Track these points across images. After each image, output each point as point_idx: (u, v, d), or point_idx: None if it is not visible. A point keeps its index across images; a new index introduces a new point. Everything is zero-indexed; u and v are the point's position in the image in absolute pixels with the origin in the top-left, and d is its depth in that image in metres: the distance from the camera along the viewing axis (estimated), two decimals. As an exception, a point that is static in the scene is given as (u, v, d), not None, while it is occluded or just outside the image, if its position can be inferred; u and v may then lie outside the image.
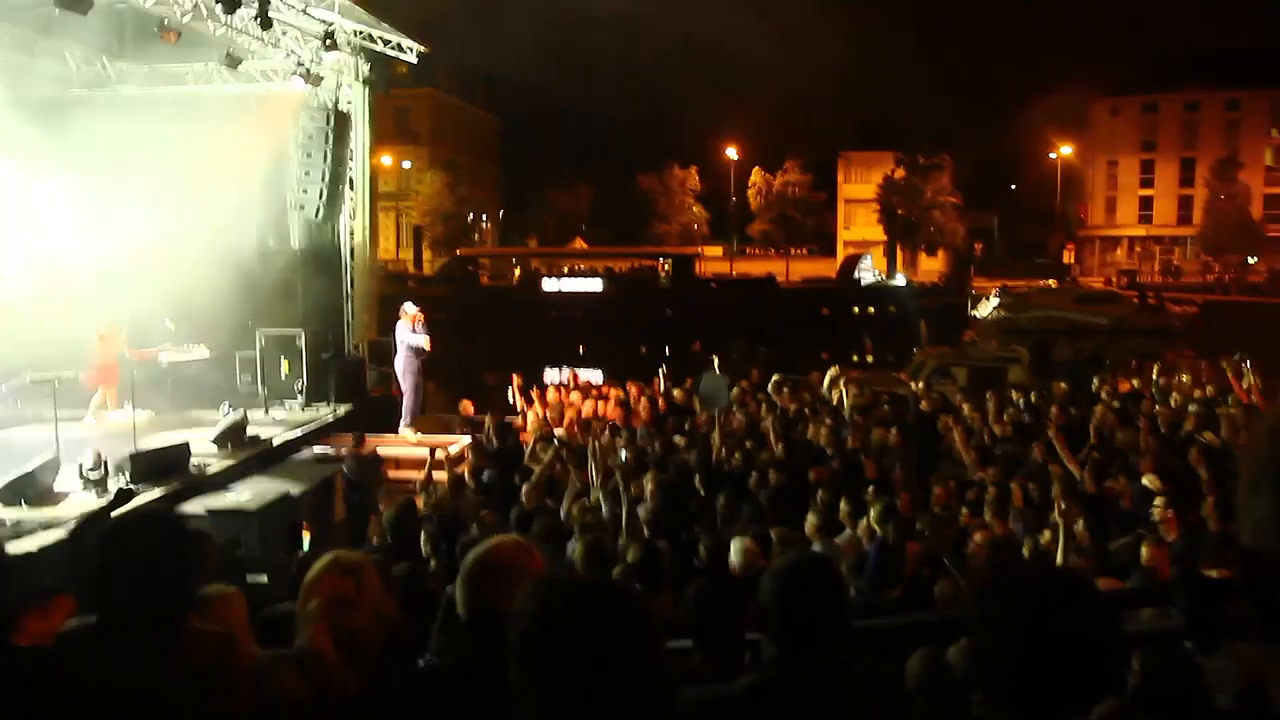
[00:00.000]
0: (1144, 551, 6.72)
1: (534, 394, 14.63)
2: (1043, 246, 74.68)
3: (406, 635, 2.99)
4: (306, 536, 10.22)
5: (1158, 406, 13.28)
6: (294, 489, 11.17)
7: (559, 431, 12.31)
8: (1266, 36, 71.48)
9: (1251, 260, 64.07)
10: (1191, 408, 13.16)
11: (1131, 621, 3.95)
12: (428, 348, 15.28)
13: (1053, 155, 70.81)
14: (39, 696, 2.25)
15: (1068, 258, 72.31)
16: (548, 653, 1.53)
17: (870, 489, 8.61)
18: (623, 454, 9.51)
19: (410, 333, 15.18)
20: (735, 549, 6.18)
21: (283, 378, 15.52)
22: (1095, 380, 17.07)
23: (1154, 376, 17.50)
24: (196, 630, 2.37)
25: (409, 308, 15.39)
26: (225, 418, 12.90)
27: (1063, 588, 1.60)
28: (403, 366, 15.27)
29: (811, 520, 7.68)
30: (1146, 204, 74.43)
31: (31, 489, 9.75)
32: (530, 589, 1.62)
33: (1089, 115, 75.28)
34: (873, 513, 7.36)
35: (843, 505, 8.04)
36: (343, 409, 15.60)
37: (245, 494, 10.80)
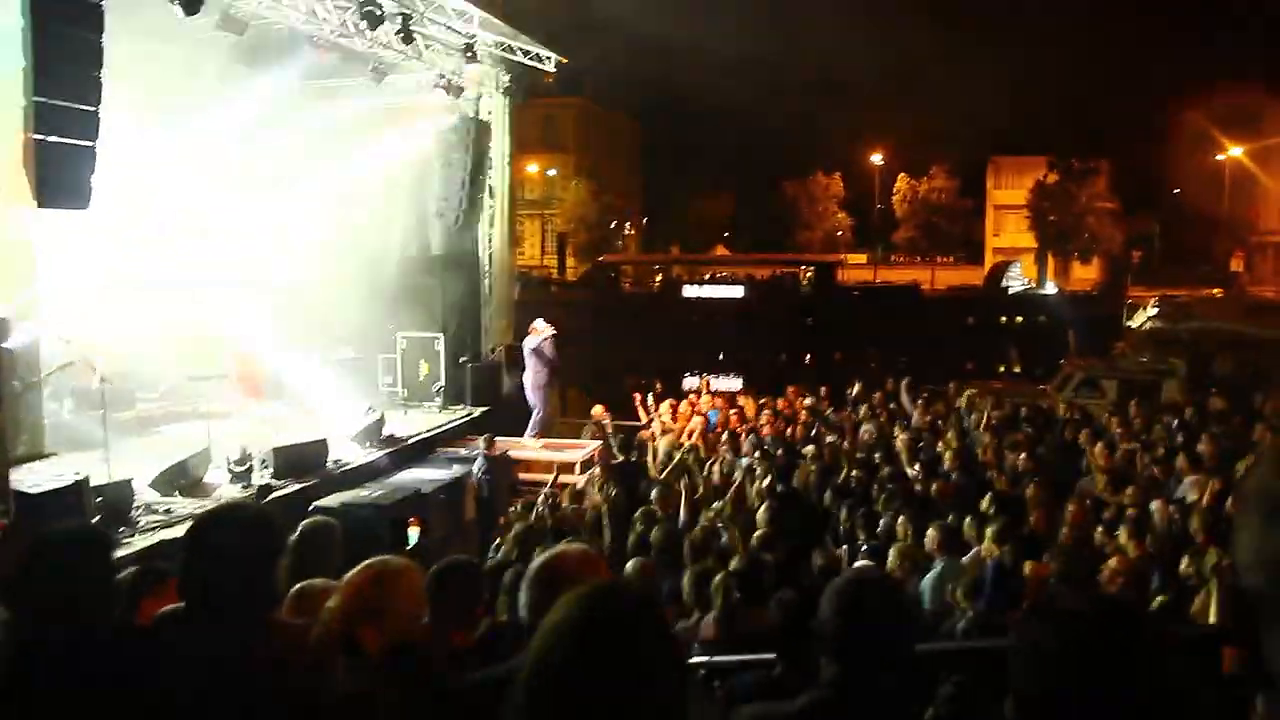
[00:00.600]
0: None
1: (657, 404, 14.75)
2: (1208, 253, 70.78)
3: (434, 643, 2.99)
4: (415, 531, 10.44)
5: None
6: (425, 487, 11.51)
7: (688, 442, 12.35)
8: None
9: None
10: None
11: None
12: (550, 359, 15.46)
13: (1220, 157, 67.09)
14: (127, 673, 2.39)
15: (1236, 265, 68.34)
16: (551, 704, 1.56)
17: (991, 506, 8.35)
18: (744, 463, 9.48)
19: (544, 349, 15.44)
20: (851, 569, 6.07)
21: (421, 380, 16.04)
22: (1259, 397, 16.11)
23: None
24: (275, 623, 2.47)
25: (539, 324, 15.66)
26: (365, 417, 13.40)
27: (1103, 619, 1.53)
28: (531, 381, 15.55)
29: (933, 535, 7.48)
30: (1326, 209, 69.84)
31: (184, 479, 10.34)
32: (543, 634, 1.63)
33: (1260, 114, 71.01)
34: (989, 531, 7.12)
35: (968, 523, 7.80)
36: (478, 411, 16.00)
37: (378, 490, 11.19)
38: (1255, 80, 68.74)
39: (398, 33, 13.54)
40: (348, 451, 12.44)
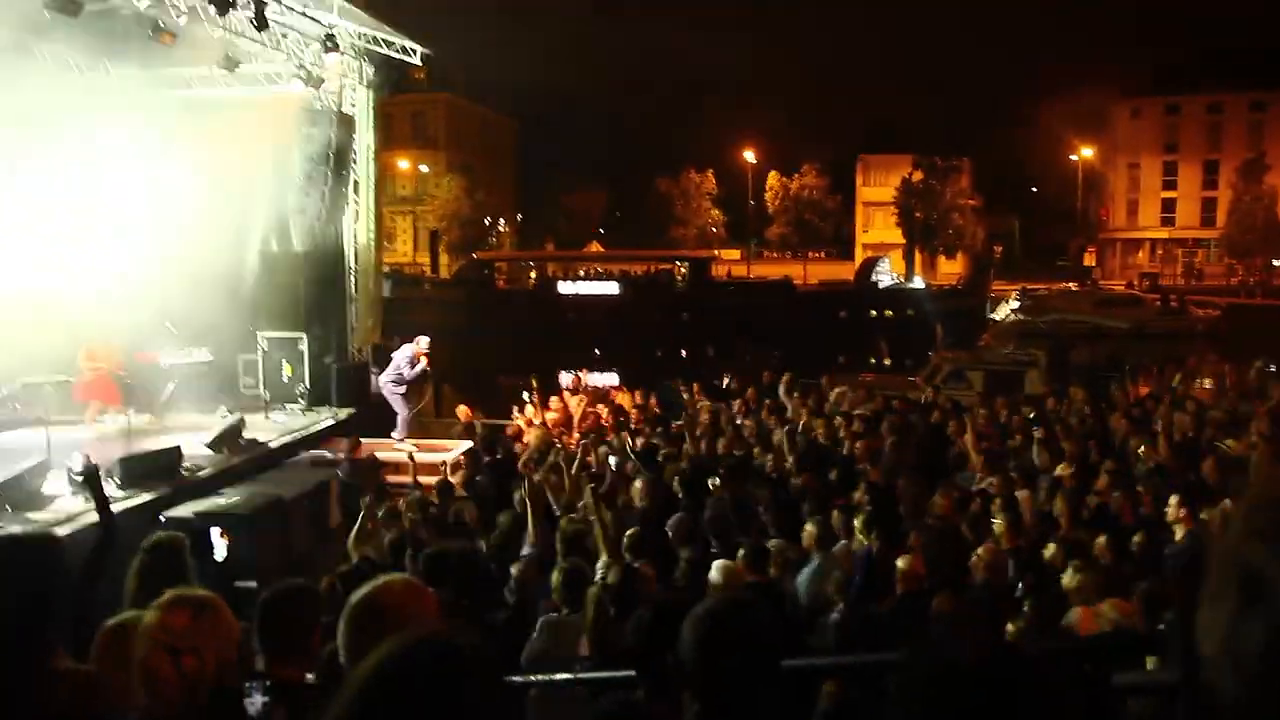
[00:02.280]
0: None
1: (545, 402, 14.50)
2: (1063, 249, 73.99)
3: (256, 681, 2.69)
4: (222, 543, 9.79)
5: (1176, 413, 12.88)
6: (287, 493, 11.00)
7: (563, 439, 12.13)
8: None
9: (1277, 263, 63.20)
10: (1213, 413, 12.82)
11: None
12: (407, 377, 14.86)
13: (1073, 157, 70.19)
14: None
15: (1089, 260, 71.65)
16: None
17: (858, 497, 8.36)
18: (611, 462, 9.30)
19: (408, 363, 14.77)
20: (716, 569, 5.91)
21: (284, 381, 15.40)
22: (1112, 386, 16.72)
23: (1174, 382, 17.17)
24: (53, 671, 2.14)
25: (422, 341, 15.03)
26: (222, 421, 12.76)
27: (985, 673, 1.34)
28: (389, 387, 14.92)
29: (810, 531, 7.42)
30: (1169, 206, 73.63)
31: (18, 492, 9.62)
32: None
33: (1110, 117, 74.52)
34: (858, 522, 7.11)
35: (836, 516, 7.76)
36: (344, 413, 15.45)
37: (236, 498, 10.63)
38: (1106, 85, 72.28)
39: (251, 19, 12.90)
40: (203, 457, 11.80)
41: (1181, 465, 10.05)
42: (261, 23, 12.86)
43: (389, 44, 15.90)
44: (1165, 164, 73.24)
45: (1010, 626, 5.51)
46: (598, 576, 5.53)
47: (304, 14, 14.14)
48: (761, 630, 2.14)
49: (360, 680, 1.34)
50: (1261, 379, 17.72)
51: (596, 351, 40.58)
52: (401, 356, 14.82)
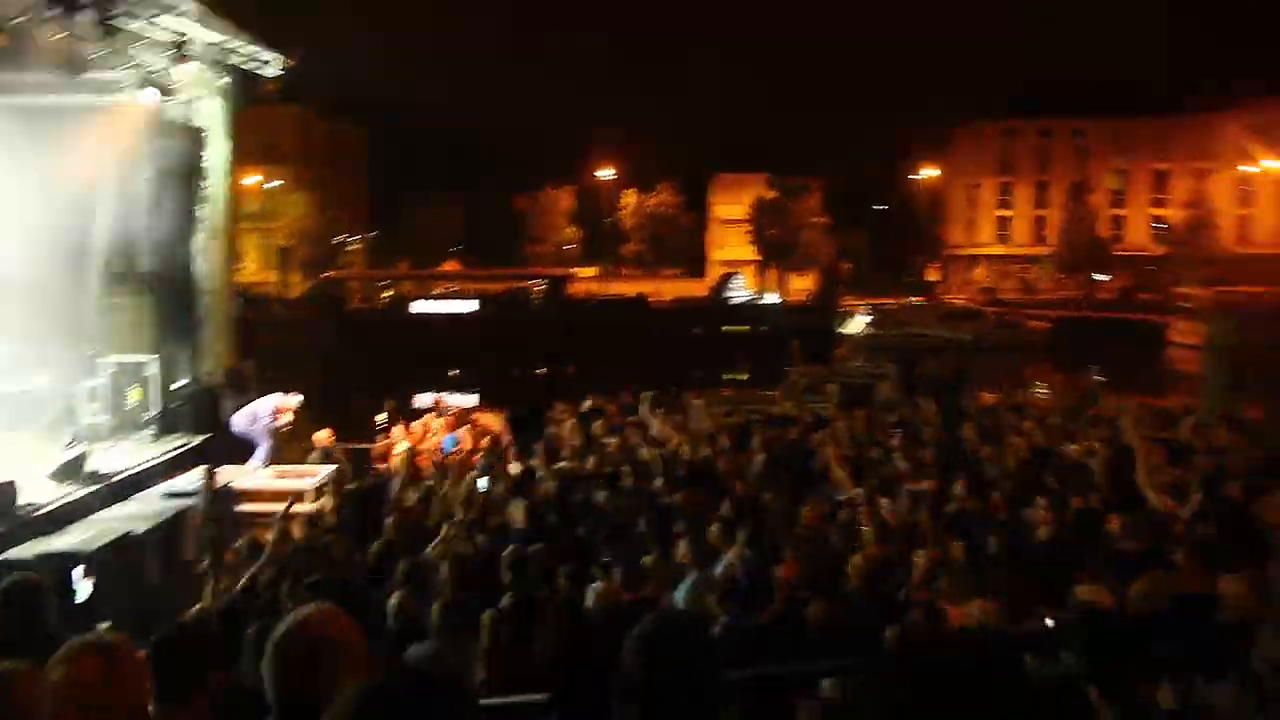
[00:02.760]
0: None
1: (405, 425, 14.22)
2: (908, 265, 77.13)
3: None
4: (86, 584, 9.29)
5: (1025, 422, 13.54)
6: (138, 527, 10.45)
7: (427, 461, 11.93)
8: (1110, 69, 75.78)
9: (1101, 278, 67.34)
10: (1052, 421, 13.54)
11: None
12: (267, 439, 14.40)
13: (917, 177, 73.31)
14: None
15: (932, 276, 74.87)
16: None
17: (733, 512, 8.52)
18: (481, 484, 9.21)
19: (270, 415, 14.26)
20: (593, 591, 5.94)
21: (130, 408, 14.65)
22: (962, 396, 17.46)
23: (1015, 391, 18.06)
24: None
25: (290, 400, 14.52)
26: (65, 451, 12.05)
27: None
28: (243, 425, 14.36)
29: (685, 549, 7.50)
30: (1005, 224, 77.59)
31: None
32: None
33: (951, 140, 78.16)
34: (739, 537, 7.23)
35: (712, 530, 7.87)
36: (198, 440, 14.79)
37: (81, 535, 10.03)
38: (948, 110, 75.93)
39: (98, 23, 12.26)
40: (44, 492, 11.10)
41: (1030, 471, 10.57)
42: (109, 29, 12.24)
43: (246, 54, 15.35)
44: (1001, 184, 77.22)
45: (889, 632, 5.67)
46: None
47: (152, 21, 13.52)
48: (705, 642, 2.16)
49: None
50: (1093, 387, 18.87)
51: (453, 373, 40.16)
52: (265, 406, 14.29)
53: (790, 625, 6.13)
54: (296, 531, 9.04)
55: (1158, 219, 73.06)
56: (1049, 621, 4.46)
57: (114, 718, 2.02)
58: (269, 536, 9.11)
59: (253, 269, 67.01)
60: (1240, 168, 69.55)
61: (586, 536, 8.36)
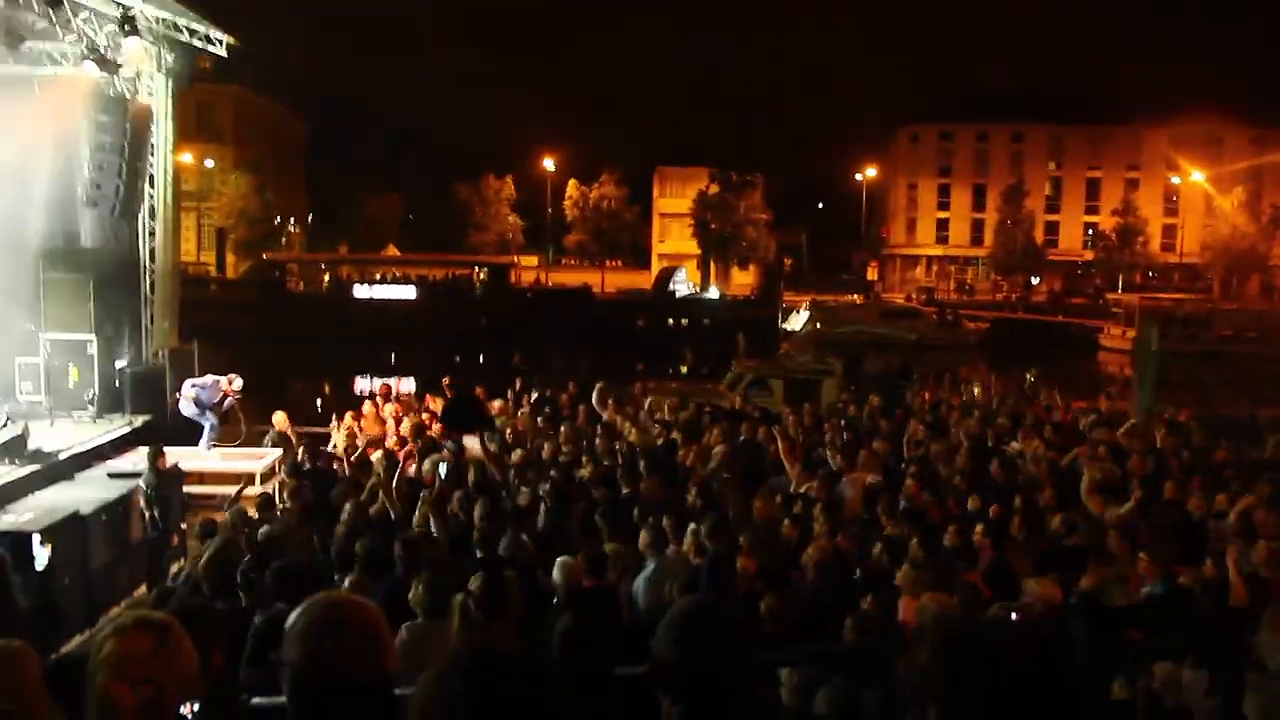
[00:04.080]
0: None
1: (373, 408, 14.16)
2: (848, 263, 78.13)
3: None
4: (44, 551, 9.16)
5: (966, 420, 13.86)
6: (84, 507, 10.25)
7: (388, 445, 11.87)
8: (1046, 76, 77.52)
9: (1035, 281, 68.80)
10: (999, 419, 13.87)
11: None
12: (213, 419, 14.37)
13: (858, 177, 74.16)
14: None
15: (871, 274, 75.85)
16: None
17: (697, 504, 8.61)
18: (442, 469, 9.20)
19: (214, 397, 14.20)
20: (558, 566, 6.01)
21: (70, 387, 14.35)
22: (908, 393, 17.81)
23: (955, 389, 18.45)
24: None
25: (237, 383, 14.44)
26: (4, 430, 11.78)
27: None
28: (188, 407, 14.23)
29: (644, 537, 7.55)
30: (943, 225, 78.76)
31: None
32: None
33: (892, 141, 79.19)
34: (703, 528, 7.30)
35: (665, 521, 7.94)
36: (140, 420, 14.54)
37: (27, 514, 9.83)
38: (889, 111, 77.07)
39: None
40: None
41: (976, 466, 10.85)
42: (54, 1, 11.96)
43: (192, 31, 15.07)
44: (940, 186, 78.38)
45: (848, 621, 5.78)
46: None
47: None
48: (734, 626, 2.21)
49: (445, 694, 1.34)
50: (1032, 386, 19.37)
51: (393, 357, 39.85)
52: (207, 390, 14.15)
53: (748, 616, 6.21)
54: (251, 513, 8.93)
55: (1089, 225, 74.82)
56: (1013, 615, 4.60)
57: (159, 692, 2.03)
58: (220, 518, 9.03)
59: (188, 249, 65.66)
60: (1170, 178, 71.54)
61: (546, 525, 8.39)
